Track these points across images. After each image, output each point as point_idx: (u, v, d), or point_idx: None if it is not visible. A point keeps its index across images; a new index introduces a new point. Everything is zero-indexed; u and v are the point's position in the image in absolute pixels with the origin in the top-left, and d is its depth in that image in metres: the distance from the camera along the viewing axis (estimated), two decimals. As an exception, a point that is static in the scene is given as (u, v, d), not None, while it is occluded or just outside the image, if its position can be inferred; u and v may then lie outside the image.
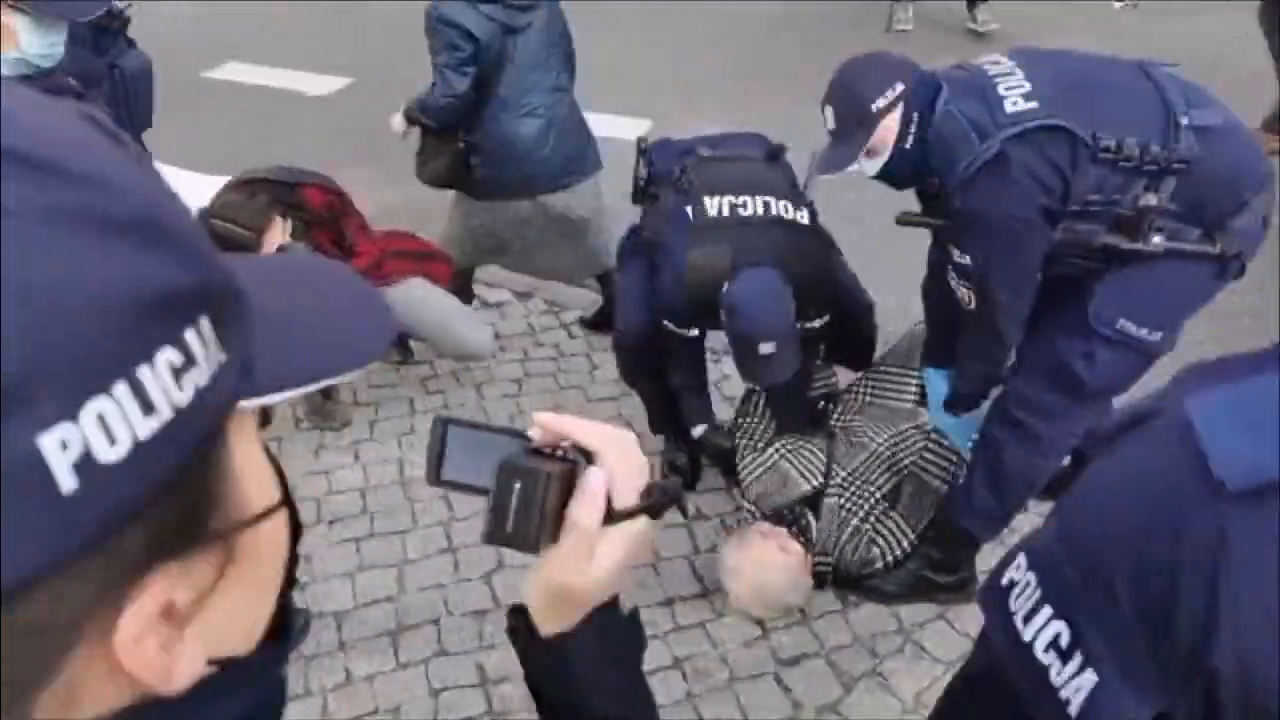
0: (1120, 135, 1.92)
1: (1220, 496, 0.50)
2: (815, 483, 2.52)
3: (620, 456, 0.61)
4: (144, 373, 0.32)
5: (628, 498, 0.60)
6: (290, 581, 0.49)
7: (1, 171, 0.31)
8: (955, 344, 2.40)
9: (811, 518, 2.49)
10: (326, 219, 2.77)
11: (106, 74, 2.64)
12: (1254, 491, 0.50)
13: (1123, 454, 0.59)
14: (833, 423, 2.73)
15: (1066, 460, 2.35)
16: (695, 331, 2.50)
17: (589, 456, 0.61)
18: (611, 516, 0.60)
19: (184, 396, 0.34)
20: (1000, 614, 0.59)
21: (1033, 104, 1.93)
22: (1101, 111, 1.96)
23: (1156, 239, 1.99)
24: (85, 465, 0.30)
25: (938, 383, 2.58)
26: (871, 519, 2.51)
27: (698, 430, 2.68)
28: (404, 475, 2.95)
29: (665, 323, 2.48)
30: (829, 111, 2.16)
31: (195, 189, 2.61)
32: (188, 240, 0.36)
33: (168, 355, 0.33)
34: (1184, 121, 1.95)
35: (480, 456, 0.61)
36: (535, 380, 3.34)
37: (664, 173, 2.54)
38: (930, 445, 2.58)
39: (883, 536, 2.50)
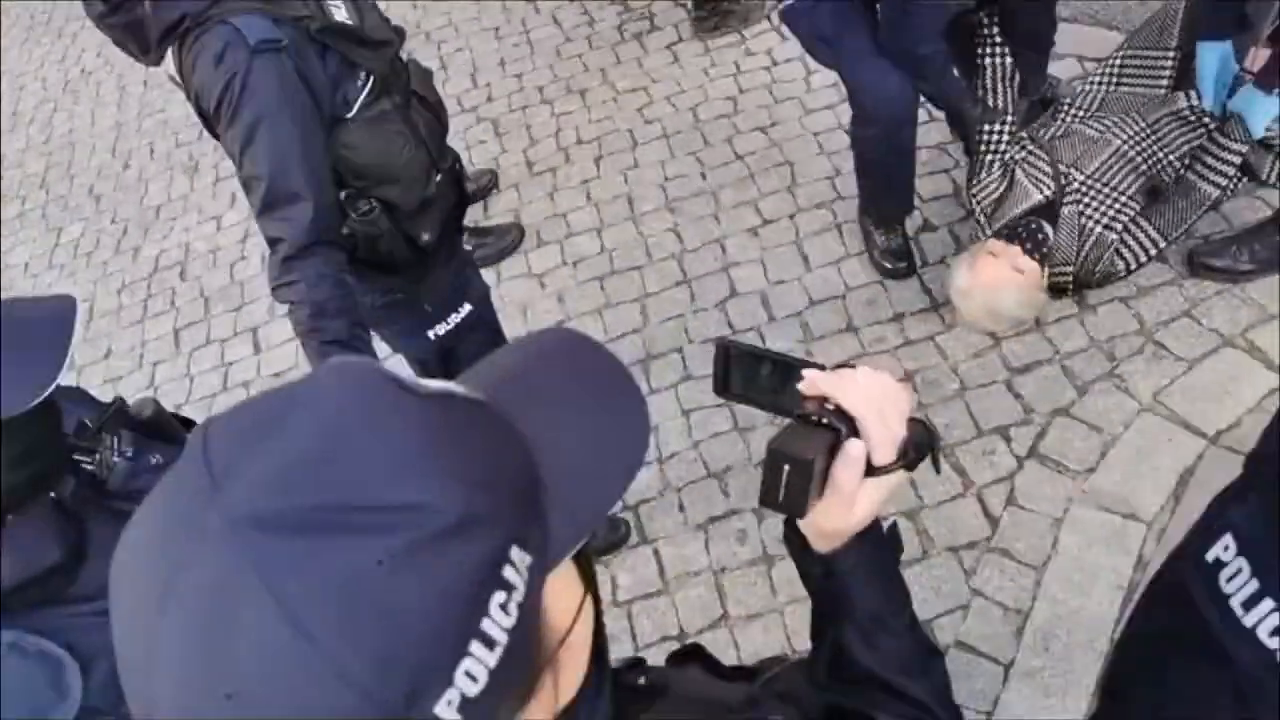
0: None
1: None
2: (1048, 191, 2.41)
3: (880, 419, 0.67)
4: (485, 623, 0.41)
5: (886, 454, 0.68)
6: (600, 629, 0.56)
7: (362, 524, 0.40)
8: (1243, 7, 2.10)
9: (1049, 228, 2.40)
10: None
11: None
12: None
13: None
14: (1064, 119, 2.53)
15: None
16: None
17: (850, 420, 0.67)
18: (871, 472, 0.68)
19: (513, 618, 0.43)
20: (1209, 590, 0.63)
21: None
22: None
23: None
24: (464, 706, 0.42)
25: (1214, 56, 2.28)
26: (1118, 226, 2.37)
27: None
28: (634, 210, 3.10)
29: None
30: None
31: None
32: (501, 500, 0.43)
33: (498, 598, 0.42)
34: None
35: (759, 375, 0.72)
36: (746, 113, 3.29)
37: None
38: (1195, 137, 2.35)
39: (1129, 246, 2.38)
